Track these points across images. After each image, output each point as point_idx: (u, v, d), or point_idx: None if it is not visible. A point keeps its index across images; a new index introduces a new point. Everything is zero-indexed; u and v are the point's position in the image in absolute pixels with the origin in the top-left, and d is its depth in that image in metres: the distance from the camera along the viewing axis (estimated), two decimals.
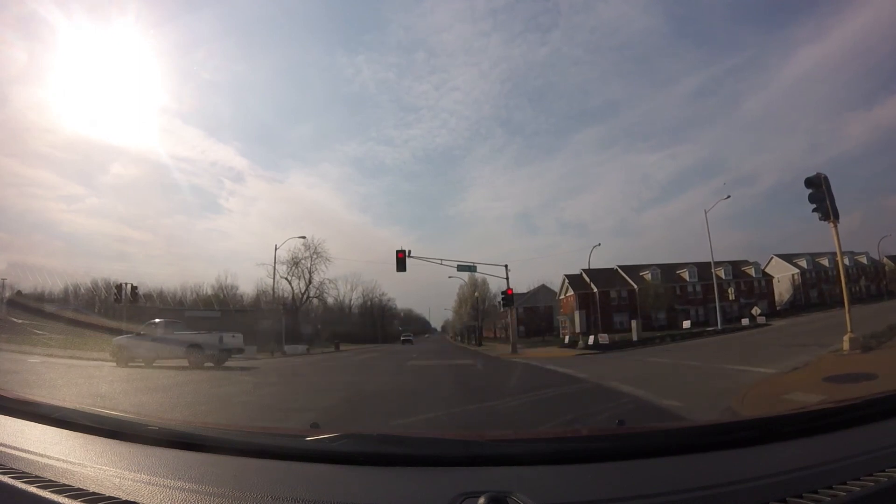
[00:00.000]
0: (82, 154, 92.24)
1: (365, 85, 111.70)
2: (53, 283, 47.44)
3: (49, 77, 68.59)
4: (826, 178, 11.33)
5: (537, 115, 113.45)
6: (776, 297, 52.14)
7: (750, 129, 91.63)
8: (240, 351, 20.02)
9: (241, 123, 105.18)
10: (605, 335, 27.21)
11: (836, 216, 11.24)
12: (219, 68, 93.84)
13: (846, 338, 10.52)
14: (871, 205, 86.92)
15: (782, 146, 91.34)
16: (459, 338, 67.70)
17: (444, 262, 30.49)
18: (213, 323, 43.07)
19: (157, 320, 19.65)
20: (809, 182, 11.37)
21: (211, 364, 16.97)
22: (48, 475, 1.11)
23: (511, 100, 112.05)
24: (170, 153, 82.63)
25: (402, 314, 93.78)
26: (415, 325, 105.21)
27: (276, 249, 39.18)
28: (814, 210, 11.28)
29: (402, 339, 60.83)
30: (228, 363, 18.14)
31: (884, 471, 1.02)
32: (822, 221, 11.32)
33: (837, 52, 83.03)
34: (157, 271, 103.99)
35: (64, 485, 1.07)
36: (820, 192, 11.21)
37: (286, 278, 53.64)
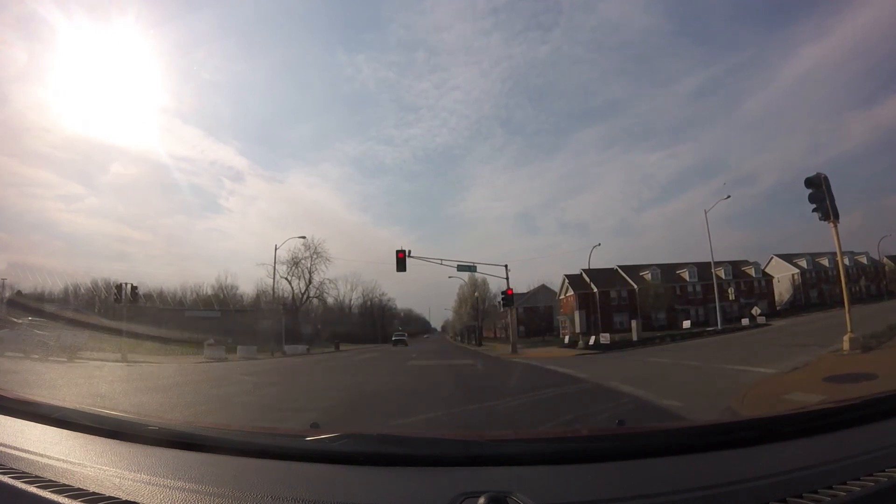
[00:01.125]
0: (82, 153, 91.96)
1: (365, 84, 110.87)
2: (53, 284, 47.46)
3: (48, 76, 68.59)
4: (826, 178, 11.33)
5: (538, 115, 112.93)
6: (776, 297, 52.13)
7: (750, 129, 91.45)
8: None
9: (240, 123, 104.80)
10: (606, 335, 27.21)
11: (836, 216, 11.25)
12: (218, 68, 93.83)
13: (846, 338, 10.52)
14: (871, 205, 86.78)
15: (783, 146, 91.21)
16: (459, 338, 67.72)
17: (444, 263, 30.53)
18: (213, 323, 43.19)
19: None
20: (809, 182, 11.38)
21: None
22: (48, 475, 1.11)
23: (512, 99, 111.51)
24: (169, 152, 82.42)
25: (402, 314, 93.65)
26: (415, 326, 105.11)
27: (276, 249, 39.20)
28: (814, 210, 11.28)
29: (393, 338, 52.56)
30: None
31: (884, 471, 1.02)
32: (823, 221, 11.34)
33: (838, 51, 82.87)
34: (157, 271, 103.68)
35: (64, 485, 1.07)
36: (820, 192, 11.21)
37: (286, 278, 53.71)
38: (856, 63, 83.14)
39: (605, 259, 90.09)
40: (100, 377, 13.24)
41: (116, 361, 19.88)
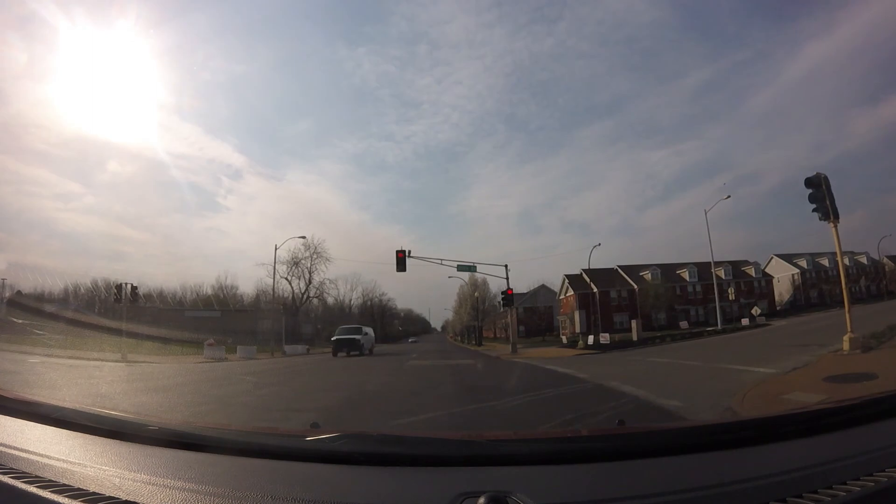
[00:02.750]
0: (79, 151, 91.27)
1: (366, 78, 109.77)
2: (53, 283, 47.48)
3: (46, 74, 68.05)
4: (826, 178, 11.32)
5: (541, 111, 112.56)
6: (776, 297, 52.18)
7: (755, 127, 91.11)
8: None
9: (239, 119, 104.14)
10: (606, 335, 27.22)
11: (836, 216, 11.23)
12: (217, 63, 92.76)
13: (846, 338, 10.52)
14: (874, 204, 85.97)
15: (787, 144, 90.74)
16: (459, 338, 67.79)
17: (444, 263, 30.49)
18: (213, 323, 43.21)
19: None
20: (809, 182, 11.36)
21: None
22: (48, 475, 1.11)
23: (515, 95, 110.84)
24: (167, 150, 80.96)
25: (402, 314, 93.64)
26: (415, 326, 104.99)
27: (276, 249, 39.18)
28: (814, 210, 11.27)
29: (334, 338, 28.55)
30: None
31: (884, 471, 1.02)
32: (823, 221, 11.32)
33: (844, 47, 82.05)
34: (156, 271, 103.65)
35: (64, 485, 1.07)
36: (820, 192, 11.20)
37: (286, 278, 53.71)
38: (862, 59, 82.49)
39: (607, 258, 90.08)
40: (99, 377, 13.24)
41: (116, 361, 19.89)
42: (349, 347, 26.91)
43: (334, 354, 26.55)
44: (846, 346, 10.42)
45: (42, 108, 71.17)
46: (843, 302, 11.84)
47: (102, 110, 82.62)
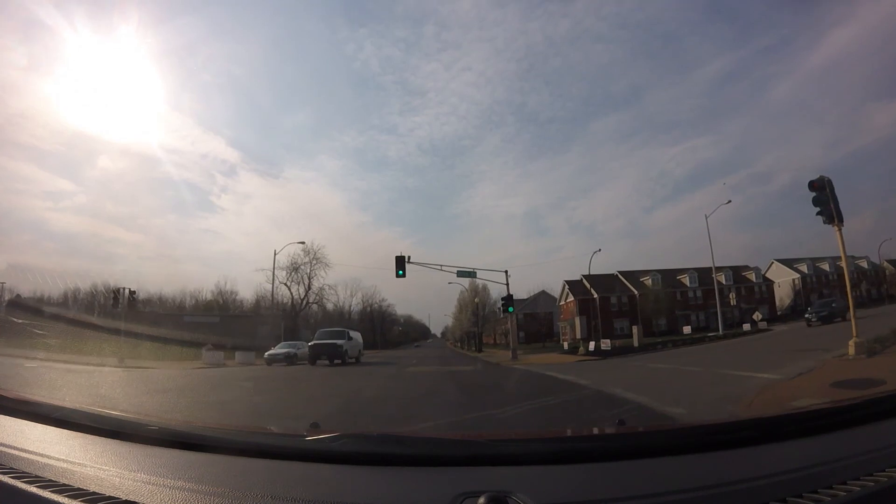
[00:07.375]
0: (68, 145, 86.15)
1: (367, 63, 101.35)
2: (51, 286, 47.32)
3: (38, 69, 66.10)
4: (830, 182, 11.21)
5: (553, 101, 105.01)
6: (777, 302, 52.07)
7: (772, 121, 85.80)
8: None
9: (230, 108, 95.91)
10: (607, 341, 27.14)
11: (841, 220, 11.15)
12: (208, 48, 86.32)
13: (852, 342, 10.41)
14: (884, 204, 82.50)
15: (801, 141, 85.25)
16: (459, 344, 67.62)
17: (444, 268, 30.46)
18: (211, 328, 43.12)
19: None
20: (813, 185, 11.29)
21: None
22: (48, 475, 1.11)
23: (527, 82, 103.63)
24: (159, 143, 76.57)
25: (401, 320, 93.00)
26: (415, 331, 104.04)
27: (275, 255, 39.25)
28: (818, 213, 11.19)
29: (312, 343, 24.85)
30: None
31: (884, 471, 1.02)
32: (827, 225, 11.25)
33: (867, 35, 76.11)
34: (152, 274, 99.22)
35: (64, 485, 1.07)
36: (824, 195, 11.10)
37: (285, 284, 53.55)
38: (885, 49, 77.71)
39: (608, 263, 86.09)
40: (97, 383, 13.20)
41: (114, 367, 19.84)
42: (329, 354, 23.17)
43: (311, 362, 22.99)
44: (851, 350, 10.31)
45: (32, 103, 68.22)
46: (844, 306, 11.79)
47: (91, 101, 77.29)
